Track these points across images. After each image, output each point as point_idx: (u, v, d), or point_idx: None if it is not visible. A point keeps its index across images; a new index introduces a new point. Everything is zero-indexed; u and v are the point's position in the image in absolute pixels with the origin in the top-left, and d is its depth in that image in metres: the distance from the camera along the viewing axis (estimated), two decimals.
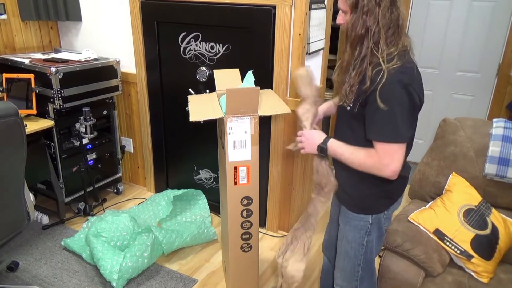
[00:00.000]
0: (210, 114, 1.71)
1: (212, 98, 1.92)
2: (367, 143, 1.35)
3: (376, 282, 1.67)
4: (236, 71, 2.00)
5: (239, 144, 1.72)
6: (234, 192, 1.79)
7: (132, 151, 3.19)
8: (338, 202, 1.63)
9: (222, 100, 1.86)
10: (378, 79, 1.24)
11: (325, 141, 1.46)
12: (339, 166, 1.47)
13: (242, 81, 1.94)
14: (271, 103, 1.87)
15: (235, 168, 1.75)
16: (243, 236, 1.89)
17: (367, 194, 1.47)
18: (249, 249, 1.93)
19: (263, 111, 1.75)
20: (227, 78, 1.97)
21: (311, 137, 1.51)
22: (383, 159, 1.29)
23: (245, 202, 1.82)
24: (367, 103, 1.29)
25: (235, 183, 1.77)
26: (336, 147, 1.42)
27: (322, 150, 1.46)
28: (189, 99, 1.94)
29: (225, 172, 1.77)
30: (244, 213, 1.84)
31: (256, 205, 1.85)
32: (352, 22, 1.29)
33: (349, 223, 1.52)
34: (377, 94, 1.24)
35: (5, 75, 2.37)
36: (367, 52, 1.28)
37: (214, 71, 2.01)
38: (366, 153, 1.34)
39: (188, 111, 2.65)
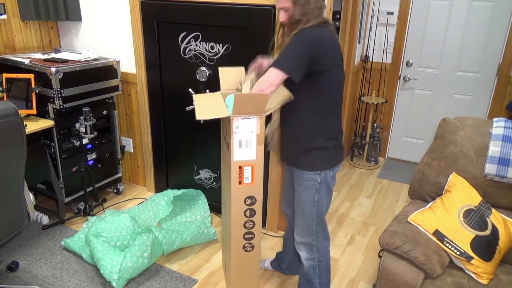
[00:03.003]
0: (217, 113, 1.70)
1: (217, 97, 1.91)
2: (304, 97, 1.70)
3: (328, 236, 1.94)
4: (241, 69, 2.00)
5: (244, 144, 1.72)
6: (238, 192, 1.79)
7: (132, 151, 3.19)
8: (290, 169, 1.93)
9: (228, 100, 1.85)
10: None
11: None
12: (287, 133, 1.81)
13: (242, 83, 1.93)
14: (270, 100, 1.87)
15: (239, 167, 1.74)
16: (246, 236, 1.89)
17: (312, 155, 1.76)
18: (251, 248, 1.93)
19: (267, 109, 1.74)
20: (232, 77, 1.97)
21: None
22: (267, 77, 1.59)
23: (248, 201, 1.82)
24: None
25: (240, 183, 1.77)
26: None
27: None
28: (194, 98, 1.93)
29: (229, 171, 1.77)
30: (248, 213, 1.84)
31: (260, 204, 1.85)
32: (294, 12, 1.62)
33: (302, 184, 1.81)
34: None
35: (5, 75, 2.37)
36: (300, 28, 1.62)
37: (219, 68, 2.00)
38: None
39: (188, 111, 2.66)
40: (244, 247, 1.91)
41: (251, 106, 1.65)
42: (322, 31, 1.63)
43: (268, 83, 1.58)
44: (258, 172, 1.77)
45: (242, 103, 1.63)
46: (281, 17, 1.67)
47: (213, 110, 1.74)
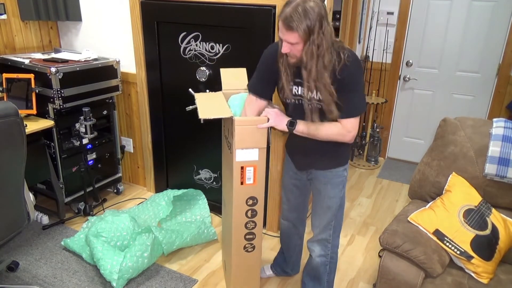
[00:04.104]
0: (219, 113, 1.72)
1: (219, 96, 1.92)
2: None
3: (340, 233, 1.98)
4: (243, 71, 2.01)
5: None
6: (240, 192, 1.79)
7: (132, 151, 3.19)
8: (297, 174, 1.93)
9: (230, 101, 1.85)
10: (345, 73, 1.55)
11: (295, 119, 1.72)
12: (310, 143, 1.73)
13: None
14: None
15: (242, 168, 1.74)
16: (247, 236, 1.89)
17: (338, 150, 1.78)
18: (252, 249, 1.93)
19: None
20: (233, 77, 1.98)
21: (280, 114, 1.74)
22: (350, 129, 1.64)
23: (250, 202, 1.82)
24: (337, 93, 1.57)
25: (241, 183, 1.77)
26: (303, 123, 1.70)
27: (292, 124, 1.70)
28: (196, 97, 1.94)
29: (231, 172, 1.77)
30: (249, 213, 1.84)
31: (261, 205, 1.85)
32: (305, 52, 1.51)
33: (330, 182, 1.81)
34: (346, 83, 1.56)
35: (5, 75, 2.37)
36: (322, 64, 1.54)
37: (221, 70, 2.00)
38: (330, 126, 1.65)
39: (188, 111, 2.66)
40: (245, 247, 1.91)
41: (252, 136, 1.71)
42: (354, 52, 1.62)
43: (352, 133, 1.64)
44: (260, 172, 1.77)
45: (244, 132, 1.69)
46: (285, 48, 1.55)
47: (215, 110, 1.75)
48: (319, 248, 1.93)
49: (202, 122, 1.71)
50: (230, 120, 1.71)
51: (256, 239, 1.91)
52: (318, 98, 1.61)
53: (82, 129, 2.64)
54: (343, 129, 1.64)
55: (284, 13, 1.49)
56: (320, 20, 1.47)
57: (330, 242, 1.91)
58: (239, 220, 1.85)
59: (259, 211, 1.85)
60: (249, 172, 1.76)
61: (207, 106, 1.82)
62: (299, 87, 1.67)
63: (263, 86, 1.78)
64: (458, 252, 1.71)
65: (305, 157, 1.85)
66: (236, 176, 1.75)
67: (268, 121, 1.70)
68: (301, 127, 1.69)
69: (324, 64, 1.53)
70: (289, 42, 1.53)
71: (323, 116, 1.65)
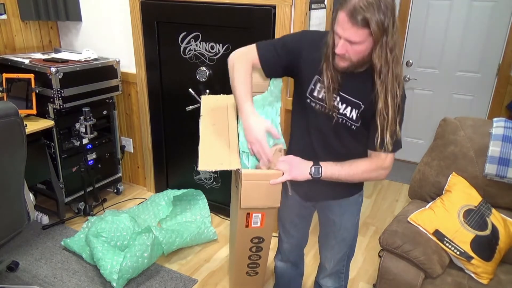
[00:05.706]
0: (225, 163, 1.39)
1: (231, 118, 1.64)
2: (357, 149, 1.40)
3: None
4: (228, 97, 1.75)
5: None
6: (245, 233, 1.61)
7: (132, 151, 3.19)
8: (302, 203, 1.61)
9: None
10: (397, 101, 1.27)
11: (317, 162, 1.38)
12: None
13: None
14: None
15: (248, 214, 1.52)
16: (250, 265, 1.77)
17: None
18: (254, 274, 1.83)
19: None
20: (217, 104, 1.74)
21: (298, 162, 1.40)
22: (387, 166, 1.37)
23: (255, 241, 1.66)
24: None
25: (246, 226, 1.57)
26: (330, 164, 1.37)
27: (317, 171, 1.36)
28: (201, 113, 1.66)
29: (237, 209, 1.55)
30: (254, 249, 1.69)
31: (268, 243, 1.67)
32: (378, 56, 1.21)
33: (347, 211, 1.58)
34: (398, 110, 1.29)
35: (5, 75, 2.37)
36: (387, 77, 1.24)
37: (202, 97, 1.78)
38: (366, 163, 1.37)
39: (188, 111, 2.66)
40: (247, 273, 1.82)
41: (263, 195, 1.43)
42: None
43: (389, 171, 1.38)
44: (269, 217, 1.54)
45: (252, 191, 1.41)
46: (341, 49, 1.21)
47: (221, 157, 1.42)
48: (332, 281, 1.76)
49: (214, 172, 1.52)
50: (237, 170, 1.42)
51: (260, 267, 1.77)
52: (351, 117, 1.35)
53: (82, 129, 2.64)
54: (381, 165, 1.34)
55: (350, 3, 1.14)
56: (394, 16, 1.16)
57: (343, 273, 1.75)
58: (242, 254, 1.68)
59: (265, 247, 1.67)
60: (256, 217, 1.54)
61: (212, 150, 1.47)
62: (338, 98, 1.36)
63: (275, 64, 1.44)
64: (458, 253, 1.71)
65: (313, 187, 1.47)
66: (241, 220, 1.54)
67: (283, 175, 1.36)
68: (329, 171, 1.35)
69: (397, 73, 1.22)
70: (350, 41, 1.18)
71: (350, 135, 1.38)
